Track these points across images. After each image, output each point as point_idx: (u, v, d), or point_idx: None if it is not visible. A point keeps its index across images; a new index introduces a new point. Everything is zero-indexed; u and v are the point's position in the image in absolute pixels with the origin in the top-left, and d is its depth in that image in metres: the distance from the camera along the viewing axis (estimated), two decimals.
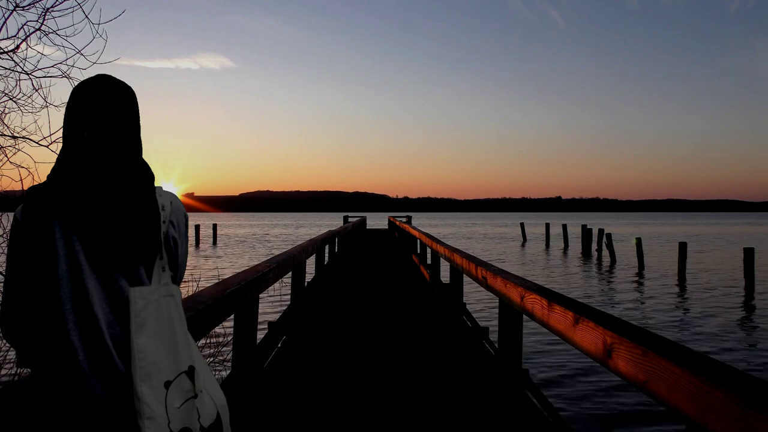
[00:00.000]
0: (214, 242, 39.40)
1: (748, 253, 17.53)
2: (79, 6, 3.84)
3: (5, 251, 1.37)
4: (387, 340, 5.20)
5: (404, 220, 31.99)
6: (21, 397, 1.33)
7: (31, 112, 4.19)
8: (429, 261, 9.93)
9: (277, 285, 9.52)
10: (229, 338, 5.16)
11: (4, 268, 1.33)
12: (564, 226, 36.75)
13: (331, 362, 4.44)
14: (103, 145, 1.34)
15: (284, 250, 5.63)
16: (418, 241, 12.07)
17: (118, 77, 1.42)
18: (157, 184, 1.42)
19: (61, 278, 1.24)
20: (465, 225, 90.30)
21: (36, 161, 4.16)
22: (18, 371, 5.00)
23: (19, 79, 4.13)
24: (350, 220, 31.37)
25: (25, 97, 4.17)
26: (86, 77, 1.42)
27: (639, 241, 23.30)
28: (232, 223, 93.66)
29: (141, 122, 1.45)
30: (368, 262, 12.97)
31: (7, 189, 4.18)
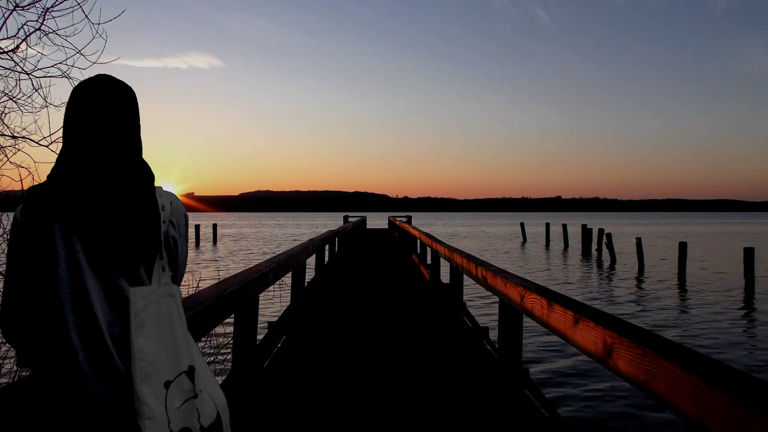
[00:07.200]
0: (214, 242, 39.40)
1: (748, 253, 17.53)
2: (79, 6, 3.83)
3: (5, 251, 1.37)
4: (387, 340, 5.20)
5: (404, 219, 31.98)
6: (21, 397, 1.33)
7: (31, 112, 4.19)
8: (429, 261, 9.93)
9: (277, 285, 9.53)
10: (229, 338, 5.16)
11: (4, 268, 1.33)
12: (564, 226, 36.74)
13: (332, 362, 4.44)
14: (103, 145, 1.34)
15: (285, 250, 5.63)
16: (418, 241, 12.07)
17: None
18: (156, 184, 1.42)
19: (61, 278, 1.24)
20: (465, 225, 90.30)
21: (36, 161, 4.16)
22: (18, 371, 5.00)
23: (19, 79, 4.12)
24: (350, 220, 31.37)
25: (25, 97, 4.17)
26: (86, 77, 1.42)
27: (639, 240, 23.30)
28: (245, 223, 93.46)
29: (141, 122, 1.45)
30: (368, 262, 12.97)
31: (7, 189, 4.17)
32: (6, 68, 4.08)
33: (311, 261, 7.92)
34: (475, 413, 3.31)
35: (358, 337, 5.32)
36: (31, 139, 4.22)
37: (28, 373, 1.36)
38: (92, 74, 1.41)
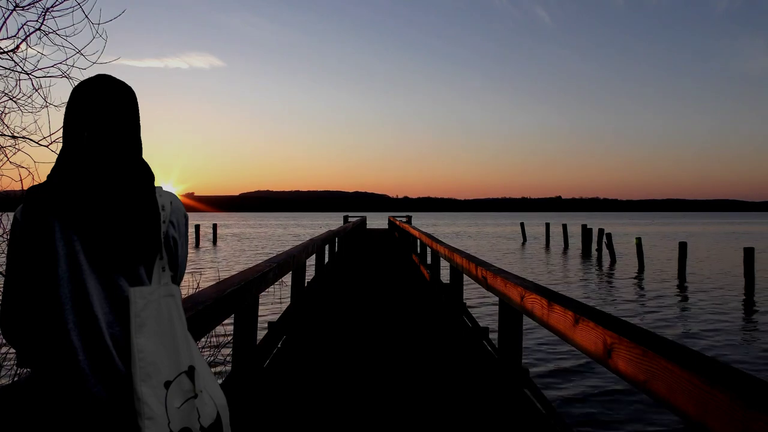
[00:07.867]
0: (214, 242, 39.41)
1: (748, 253, 17.53)
2: (79, 6, 3.83)
3: (5, 251, 1.37)
4: (387, 340, 5.20)
5: (404, 219, 31.97)
6: (21, 397, 1.33)
7: (31, 112, 4.19)
8: (429, 261, 9.93)
9: (276, 285, 9.52)
10: (229, 338, 5.16)
11: (4, 268, 1.33)
12: (564, 226, 36.74)
13: (332, 362, 4.44)
14: (103, 145, 1.34)
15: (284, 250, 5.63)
16: (418, 240, 12.07)
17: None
18: (156, 184, 1.42)
19: (61, 278, 1.24)
20: (465, 225, 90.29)
21: (36, 161, 4.16)
22: (18, 371, 5.00)
23: (19, 79, 4.12)
24: (350, 220, 31.36)
25: (25, 97, 4.17)
26: (86, 77, 1.41)
27: (639, 240, 23.30)
28: (246, 223, 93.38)
29: (141, 122, 1.45)
30: (368, 262, 12.97)
31: (7, 189, 4.17)
32: (6, 68, 4.08)
33: (311, 261, 7.92)
34: (475, 413, 3.31)
35: (358, 338, 5.32)
36: (31, 139, 4.22)
37: (28, 373, 1.36)
38: (92, 74, 1.41)
